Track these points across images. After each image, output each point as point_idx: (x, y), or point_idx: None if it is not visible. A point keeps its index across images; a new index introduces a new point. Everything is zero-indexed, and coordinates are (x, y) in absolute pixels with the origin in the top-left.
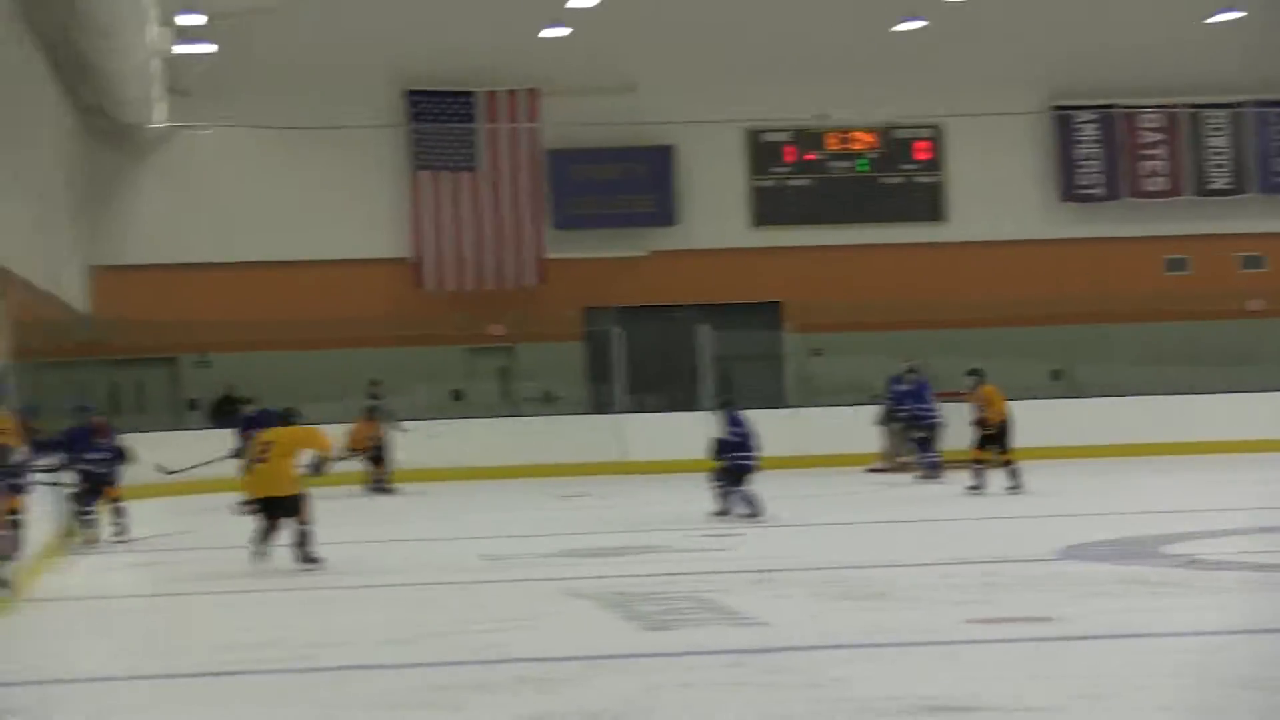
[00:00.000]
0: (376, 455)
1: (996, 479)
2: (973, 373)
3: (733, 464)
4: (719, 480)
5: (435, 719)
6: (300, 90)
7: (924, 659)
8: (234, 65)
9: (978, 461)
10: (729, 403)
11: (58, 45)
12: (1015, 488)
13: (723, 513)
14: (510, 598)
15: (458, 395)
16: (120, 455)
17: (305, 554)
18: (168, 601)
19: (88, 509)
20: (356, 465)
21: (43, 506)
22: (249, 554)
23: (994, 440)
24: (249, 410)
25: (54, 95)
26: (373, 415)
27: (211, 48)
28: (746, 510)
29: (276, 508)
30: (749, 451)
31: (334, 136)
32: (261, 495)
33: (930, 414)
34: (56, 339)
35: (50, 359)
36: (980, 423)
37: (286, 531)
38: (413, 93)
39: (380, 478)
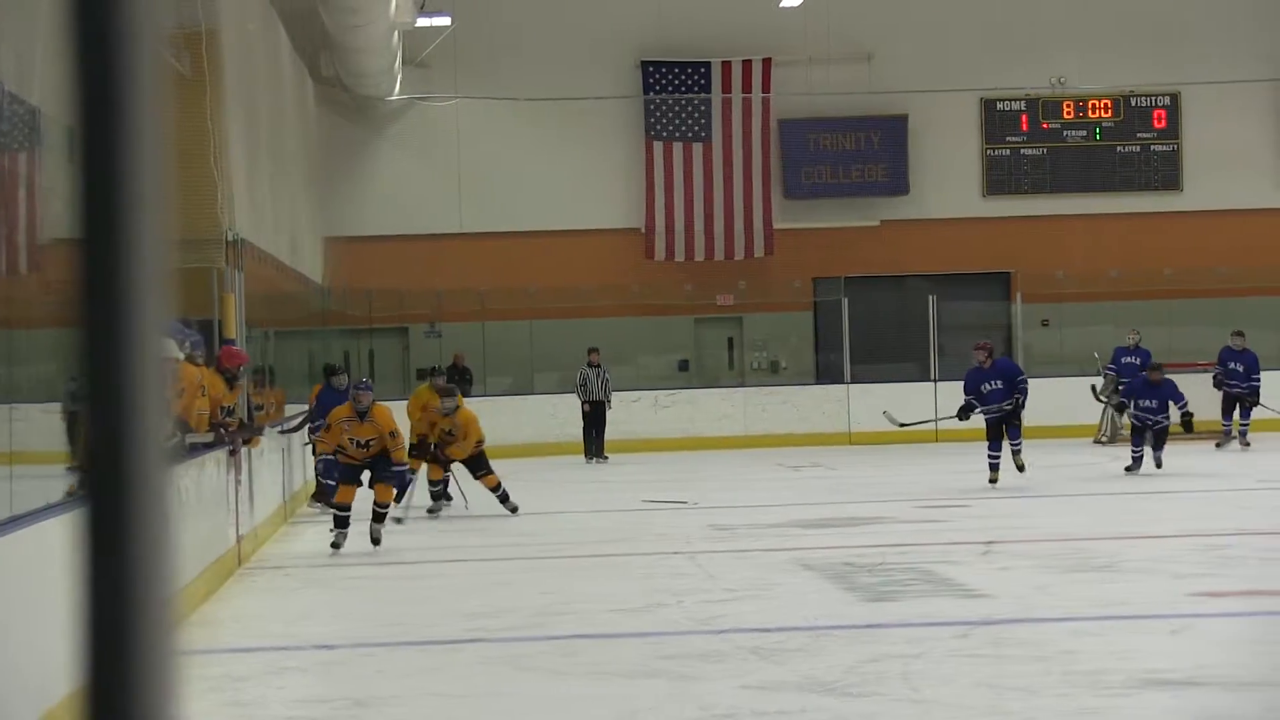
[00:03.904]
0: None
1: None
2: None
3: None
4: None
5: (663, 688)
6: (534, 62)
7: (1150, 632)
8: (469, 37)
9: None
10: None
11: (301, 19)
12: None
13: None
14: (738, 568)
15: (684, 365)
16: None
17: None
18: (401, 569)
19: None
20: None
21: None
22: None
23: None
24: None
25: (294, 68)
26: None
27: (448, 20)
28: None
29: None
30: None
31: (568, 107)
32: None
33: None
34: (292, 309)
35: (285, 328)
36: None
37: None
38: (647, 63)
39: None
